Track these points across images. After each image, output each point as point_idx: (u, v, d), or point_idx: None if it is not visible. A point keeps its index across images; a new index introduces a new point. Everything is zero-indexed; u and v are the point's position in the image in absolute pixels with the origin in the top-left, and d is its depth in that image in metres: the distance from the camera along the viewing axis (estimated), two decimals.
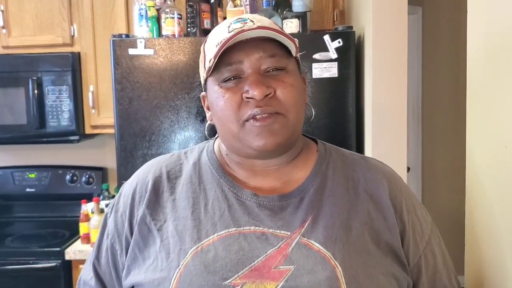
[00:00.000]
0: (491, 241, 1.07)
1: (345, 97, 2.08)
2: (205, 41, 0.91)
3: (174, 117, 2.11)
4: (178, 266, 0.82)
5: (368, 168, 0.94)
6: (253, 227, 0.85)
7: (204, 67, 0.89)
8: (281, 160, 0.91)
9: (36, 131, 2.55)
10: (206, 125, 0.98)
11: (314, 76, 2.06)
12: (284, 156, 0.91)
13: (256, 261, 0.81)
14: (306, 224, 0.85)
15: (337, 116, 2.09)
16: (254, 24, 0.85)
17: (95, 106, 2.59)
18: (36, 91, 2.52)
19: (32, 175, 2.86)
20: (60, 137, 2.63)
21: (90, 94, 2.57)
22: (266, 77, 0.84)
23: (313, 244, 0.83)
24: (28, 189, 2.86)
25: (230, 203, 0.88)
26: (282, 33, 0.85)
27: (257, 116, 0.83)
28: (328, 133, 2.08)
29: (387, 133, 1.98)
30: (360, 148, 2.15)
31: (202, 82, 0.93)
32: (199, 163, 0.95)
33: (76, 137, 2.65)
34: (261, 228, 0.85)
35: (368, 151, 2.05)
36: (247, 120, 0.84)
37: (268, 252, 0.82)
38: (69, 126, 2.56)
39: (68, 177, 2.84)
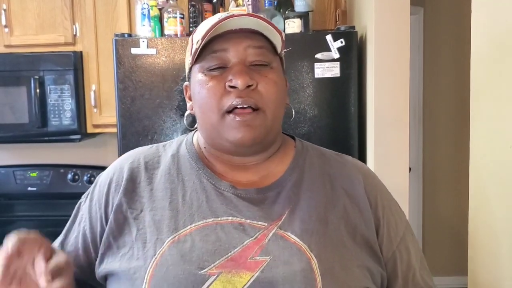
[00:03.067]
0: (493, 241, 1.07)
1: (347, 97, 2.08)
2: (194, 32, 0.92)
3: (176, 117, 2.11)
4: (155, 255, 0.83)
5: (344, 164, 0.96)
6: (230, 218, 0.85)
7: (191, 55, 0.90)
8: (259, 156, 0.93)
9: (38, 130, 2.55)
10: (185, 115, 0.99)
11: (316, 76, 2.06)
12: (262, 153, 0.93)
13: (232, 252, 0.82)
14: (284, 217, 0.86)
15: (339, 116, 2.09)
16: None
17: (97, 105, 2.59)
18: (38, 90, 2.52)
19: (34, 174, 2.86)
20: (62, 136, 2.62)
21: (92, 93, 2.57)
22: (251, 70, 0.86)
23: (289, 236, 0.84)
24: (29, 188, 2.85)
25: (208, 193, 0.89)
26: (271, 23, 0.86)
27: (238, 110, 0.84)
28: (330, 133, 2.07)
29: (389, 133, 1.98)
30: (362, 148, 2.15)
31: (187, 71, 0.94)
32: (178, 155, 0.96)
33: (78, 136, 2.65)
34: (238, 219, 0.85)
35: (370, 151, 2.04)
36: (228, 112, 0.85)
37: (245, 243, 0.82)
38: (71, 125, 2.56)
39: (69, 176, 2.84)
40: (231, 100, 0.84)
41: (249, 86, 0.84)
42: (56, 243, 1.00)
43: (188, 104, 0.96)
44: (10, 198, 2.88)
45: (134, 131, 2.12)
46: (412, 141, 3.74)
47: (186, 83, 0.96)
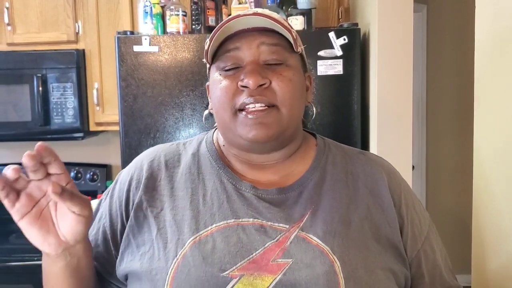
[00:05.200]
0: (498, 239, 1.07)
1: (350, 95, 2.07)
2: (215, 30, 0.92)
3: (178, 114, 2.11)
4: (176, 256, 0.82)
5: (367, 163, 0.94)
6: (251, 219, 0.84)
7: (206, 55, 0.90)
8: (278, 155, 0.91)
9: (41, 128, 2.55)
10: (204, 113, 0.99)
11: (319, 73, 2.05)
12: (282, 151, 0.91)
13: (254, 254, 0.81)
14: (305, 218, 0.85)
15: (342, 114, 2.08)
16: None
17: (100, 103, 2.59)
18: (40, 88, 2.52)
19: None
20: (65, 134, 2.62)
21: (94, 91, 2.57)
22: (264, 68, 0.84)
23: (311, 238, 0.82)
24: None
25: (229, 194, 0.88)
26: (280, 22, 0.84)
27: (250, 107, 0.83)
28: (333, 131, 2.07)
29: (393, 131, 1.98)
30: (365, 146, 2.14)
31: (207, 70, 0.94)
32: (198, 153, 0.95)
33: (81, 134, 2.65)
34: (259, 220, 0.84)
35: (373, 149, 2.04)
36: (240, 110, 0.84)
37: (267, 245, 0.82)
38: (73, 123, 2.56)
39: (72, 174, 2.85)
40: (243, 99, 0.83)
41: (261, 85, 0.83)
42: None
43: (211, 103, 0.95)
44: None
45: (136, 129, 2.12)
46: (415, 138, 3.74)
47: (208, 82, 0.96)
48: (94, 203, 2.50)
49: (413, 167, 3.14)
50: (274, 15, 0.87)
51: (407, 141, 2.00)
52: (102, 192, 2.68)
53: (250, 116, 0.83)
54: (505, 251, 1.03)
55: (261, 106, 0.83)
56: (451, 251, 1.00)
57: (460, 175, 3.76)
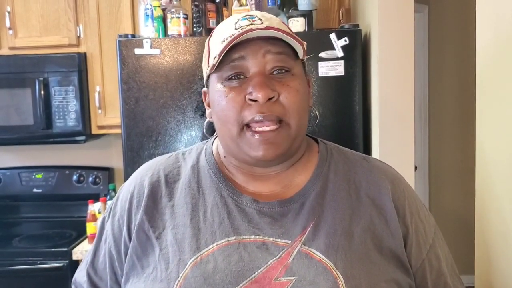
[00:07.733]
0: (501, 240, 1.06)
1: (351, 96, 2.07)
2: (210, 36, 0.89)
3: (180, 117, 2.11)
4: (178, 278, 0.81)
5: (370, 170, 0.92)
6: (253, 236, 0.83)
7: (208, 63, 0.86)
8: (281, 165, 0.89)
9: (43, 132, 2.56)
10: (205, 122, 0.95)
11: (320, 75, 2.05)
12: (285, 162, 0.89)
13: (256, 273, 0.79)
14: (307, 231, 0.83)
15: (344, 115, 2.08)
16: (262, 22, 0.83)
17: (102, 106, 2.59)
18: (42, 92, 2.53)
19: (39, 176, 2.87)
20: (67, 137, 2.63)
21: (96, 95, 2.58)
22: (271, 79, 0.81)
23: (314, 253, 0.81)
24: (35, 190, 2.87)
25: (229, 210, 0.86)
26: (291, 35, 0.82)
27: (257, 124, 0.80)
28: (334, 132, 2.07)
29: (395, 132, 1.97)
30: (367, 147, 2.14)
31: (205, 78, 0.90)
32: (198, 166, 0.93)
33: (83, 138, 2.65)
34: (261, 237, 0.83)
35: (375, 150, 2.04)
36: (247, 125, 0.81)
37: (269, 263, 0.80)
38: (75, 127, 2.57)
39: (74, 177, 2.85)
40: (252, 115, 0.80)
41: (270, 98, 0.79)
42: (86, 262, 0.99)
43: (208, 111, 0.92)
44: (16, 200, 2.89)
45: (138, 131, 2.12)
46: (417, 139, 3.73)
47: (204, 89, 0.93)
48: (96, 206, 2.51)
49: (415, 167, 3.13)
50: (284, 26, 0.84)
51: (409, 142, 1.99)
52: (105, 195, 2.69)
53: (257, 137, 0.81)
54: (508, 251, 1.03)
55: (270, 126, 0.80)
56: (454, 252, 0.99)
57: (462, 175, 3.75)
